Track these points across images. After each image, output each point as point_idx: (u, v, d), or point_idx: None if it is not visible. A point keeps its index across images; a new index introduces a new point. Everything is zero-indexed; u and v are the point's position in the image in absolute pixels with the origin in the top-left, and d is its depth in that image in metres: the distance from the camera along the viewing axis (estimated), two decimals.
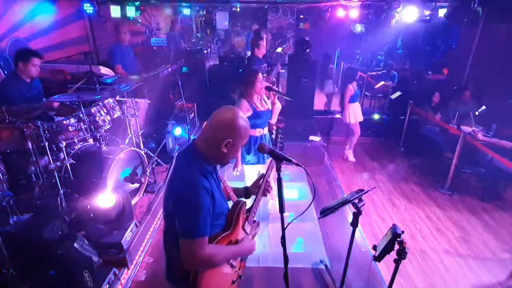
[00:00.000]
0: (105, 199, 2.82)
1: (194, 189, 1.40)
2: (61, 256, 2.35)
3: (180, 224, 1.40)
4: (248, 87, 3.03)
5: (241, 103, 3.02)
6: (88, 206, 2.85)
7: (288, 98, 3.34)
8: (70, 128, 3.11)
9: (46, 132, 2.90)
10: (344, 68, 7.68)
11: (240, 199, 1.74)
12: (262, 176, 1.85)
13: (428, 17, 6.14)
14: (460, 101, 5.48)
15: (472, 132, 4.61)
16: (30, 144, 2.76)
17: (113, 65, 4.94)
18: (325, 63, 7.26)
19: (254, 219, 1.82)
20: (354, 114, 5.21)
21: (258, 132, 3.17)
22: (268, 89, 3.19)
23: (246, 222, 1.72)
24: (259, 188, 1.81)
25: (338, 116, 6.20)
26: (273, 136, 1.96)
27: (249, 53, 9.03)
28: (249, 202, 1.83)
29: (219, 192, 1.56)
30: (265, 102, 3.21)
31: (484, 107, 5.35)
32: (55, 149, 3.00)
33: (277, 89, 3.22)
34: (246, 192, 1.90)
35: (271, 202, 3.75)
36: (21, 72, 3.26)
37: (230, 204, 1.73)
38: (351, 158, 5.57)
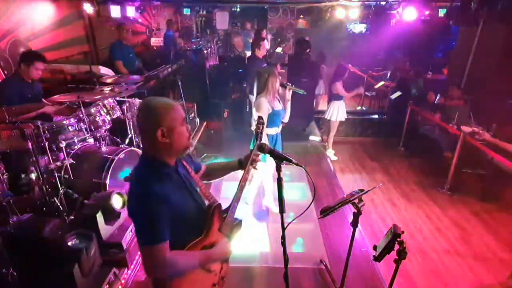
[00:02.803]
0: (118, 200, 2.83)
1: (143, 198, 1.34)
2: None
3: (136, 234, 1.39)
4: (268, 85, 3.03)
5: (262, 103, 3.01)
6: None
7: (303, 93, 3.35)
8: (70, 128, 3.12)
9: (46, 132, 2.90)
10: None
11: (214, 201, 1.60)
12: (252, 152, 1.76)
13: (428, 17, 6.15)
14: (448, 97, 5.49)
15: (479, 132, 4.48)
16: (30, 144, 2.76)
17: (114, 61, 4.97)
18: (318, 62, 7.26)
19: (236, 217, 1.72)
20: (337, 112, 5.23)
21: (274, 130, 3.18)
22: (283, 86, 3.18)
23: (223, 223, 1.63)
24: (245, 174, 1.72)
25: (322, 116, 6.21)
26: (253, 127, 1.95)
27: (246, 53, 9.05)
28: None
29: (181, 193, 1.46)
30: (278, 101, 3.21)
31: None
32: (55, 149, 3.00)
33: (292, 85, 3.21)
34: (239, 164, 1.82)
35: (265, 199, 3.77)
36: (23, 73, 3.27)
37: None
38: (333, 157, 5.55)
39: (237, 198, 1.67)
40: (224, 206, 1.66)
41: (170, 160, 1.46)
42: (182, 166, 1.57)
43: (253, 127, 1.90)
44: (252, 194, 3.53)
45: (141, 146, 1.48)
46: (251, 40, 7.79)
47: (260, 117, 1.92)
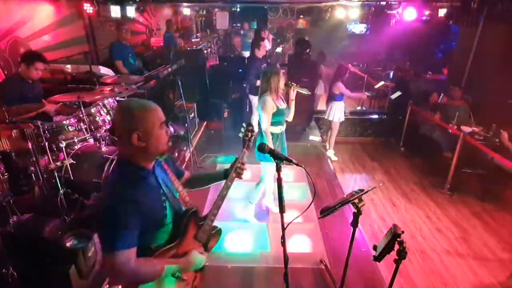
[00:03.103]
0: None
1: (113, 203, 1.30)
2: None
3: (100, 238, 1.34)
4: (272, 84, 3.06)
5: (267, 101, 3.05)
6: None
7: (307, 93, 3.38)
8: (70, 128, 3.11)
9: (46, 132, 2.90)
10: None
11: (190, 207, 1.55)
12: (236, 161, 1.72)
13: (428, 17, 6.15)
14: (450, 97, 5.49)
15: (502, 135, 4.34)
16: (30, 144, 2.76)
17: (113, 61, 4.98)
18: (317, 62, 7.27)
19: (215, 225, 1.65)
20: (338, 112, 5.24)
21: (279, 129, 3.21)
22: (288, 85, 3.20)
23: (200, 231, 1.56)
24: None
25: (322, 116, 6.21)
26: (241, 133, 1.84)
27: (243, 53, 9.05)
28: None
29: (156, 198, 1.41)
30: (283, 101, 3.23)
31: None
32: (55, 149, 3.00)
33: (296, 85, 3.24)
34: (225, 175, 1.74)
35: (265, 198, 3.77)
36: (23, 73, 3.27)
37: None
38: (334, 157, 5.57)
39: (217, 206, 1.61)
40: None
41: (147, 163, 1.41)
42: (161, 169, 1.52)
43: (241, 134, 1.83)
44: (259, 194, 3.52)
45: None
46: (249, 40, 7.81)
47: (249, 124, 1.83)
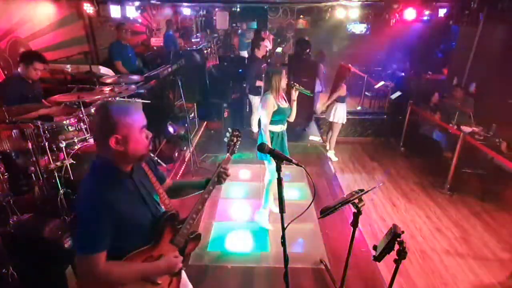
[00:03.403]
0: None
1: (88, 206, 1.29)
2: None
3: (74, 240, 1.35)
4: (274, 83, 3.10)
5: (269, 99, 3.10)
6: None
7: (309, 94, 3.40)
8: (70, 128, 3.11)
9: (46, 132, 2.90)
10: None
11: (168, 210, 1.51)
12: (218, 166, 1.69)
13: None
14: (452, 98, 5.49)
15: (501, 144, 4.37)
16: (30, 144, 2.76)
17: (113, 62, 4.98)
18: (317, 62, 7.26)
19: (194, 230, 1.61)
20: (340, 114, 5.24)
21: (280, 128, 3.24)
22: (290, 86, 3.23)
23: (177, 235, 1.52)
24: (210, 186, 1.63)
25: (322, 116, 6.21)
26: (226, 138, 1.82)
27: (240, 53, 9.05)
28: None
29: (132, 201, 1.39)
30: (284, 100, 3.26)
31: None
32: (55, 149, 3.00)
33: (298, 85, 3.26)
34: (207, 183, 1.70)
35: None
36: (22, 73, 3.27)
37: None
38: (334, 158, 5.57)
39: (196, 211, 1.58)
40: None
41: (125, 166, 1.39)
42: (140, 170, 1.49)
43: (226, 139, 1.81)
44: (270, 197, 3.48)
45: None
46: (247, 40, 7.81)
47: (235, 129, 1.81)
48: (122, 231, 1.33)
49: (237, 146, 1.82)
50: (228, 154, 1.77)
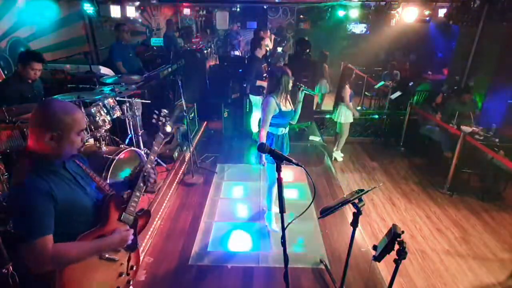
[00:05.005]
0: None
1: (20, 192, 1.31)
2: None
3: (15, 230, 1.36)
4: (281, 85, 3.00)
5: (270, 101, 2.99)
6: None
7: (314, 93, 3.37)
8: None
9: None
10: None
11: (109, 193, 1.59)
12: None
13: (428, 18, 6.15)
14: (459, 102, 5.49)
15: (499, 152, 4.29)
16: None
17: (113, 62, 4.97)
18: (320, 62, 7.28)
19: (144, 208, 1.70)
20: (346, 114, 5.24)
21: (281, 131, 3.16)
22: (295, 86, 3.15)
23: (124, 213, 1.61)
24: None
25: (328, 116, 6.21)
26: (154, 119, 2.01)
27: (237, 53, 9.05)
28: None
29: (70, 188, 1.43)
30: (289, 103, 3.17)
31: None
32: None
33: (304, 86, 3.20)
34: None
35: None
36: (21, 73, 3.26)
37: None
38: (339, 158, 5.57)
39: (138, 187, 1.69)
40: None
41: (56, 158, 1.42)
42: (72, 162, 1.53)
43: (153, 120, 1.93)
44: (272, 199, 3.45)
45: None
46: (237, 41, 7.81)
47: (162, 111, 1.97)
48: (67, 215, 1.38)
49: (167, 126, 1.99)
50: (160, 133, 1.94)
